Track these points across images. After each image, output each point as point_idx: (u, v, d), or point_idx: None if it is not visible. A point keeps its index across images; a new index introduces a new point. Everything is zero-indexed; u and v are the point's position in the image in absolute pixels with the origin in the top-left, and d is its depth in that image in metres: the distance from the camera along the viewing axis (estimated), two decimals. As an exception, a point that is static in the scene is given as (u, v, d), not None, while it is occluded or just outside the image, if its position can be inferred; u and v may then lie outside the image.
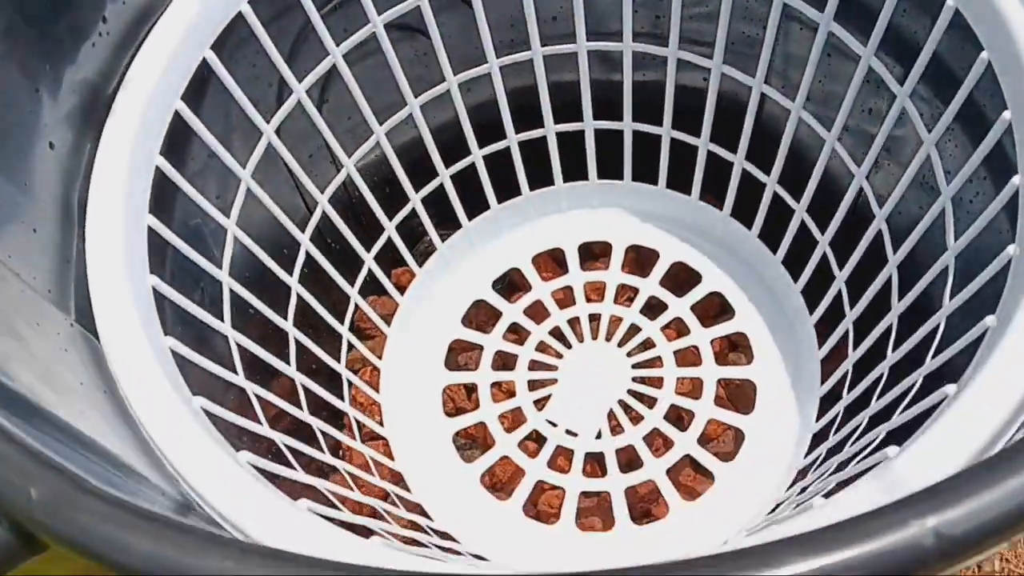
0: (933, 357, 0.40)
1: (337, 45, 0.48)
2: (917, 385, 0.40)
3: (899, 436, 0.35)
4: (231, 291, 0.44)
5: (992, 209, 0.38)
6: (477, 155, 0.57)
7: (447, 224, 0.60)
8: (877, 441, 0.40)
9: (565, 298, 0.60)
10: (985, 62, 0.39)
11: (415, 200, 0.57)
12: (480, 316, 0.61)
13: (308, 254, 0.51)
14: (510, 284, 0.62)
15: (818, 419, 0.53)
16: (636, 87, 0.56)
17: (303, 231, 0.50)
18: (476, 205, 0.60)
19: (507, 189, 0.61)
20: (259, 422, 0.41)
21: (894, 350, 0.45)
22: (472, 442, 0.57)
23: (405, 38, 0.53)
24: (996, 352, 0.32)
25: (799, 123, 0.52)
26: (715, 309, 0.59)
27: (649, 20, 0.55)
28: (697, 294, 0.59)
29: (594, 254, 0.62)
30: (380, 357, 0.58)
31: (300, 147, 0.52)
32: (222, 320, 0.42)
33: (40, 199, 0.35)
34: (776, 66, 0.53)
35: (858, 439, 0.43)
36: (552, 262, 0.62)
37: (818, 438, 0.52)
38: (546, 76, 0.56)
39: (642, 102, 0.57)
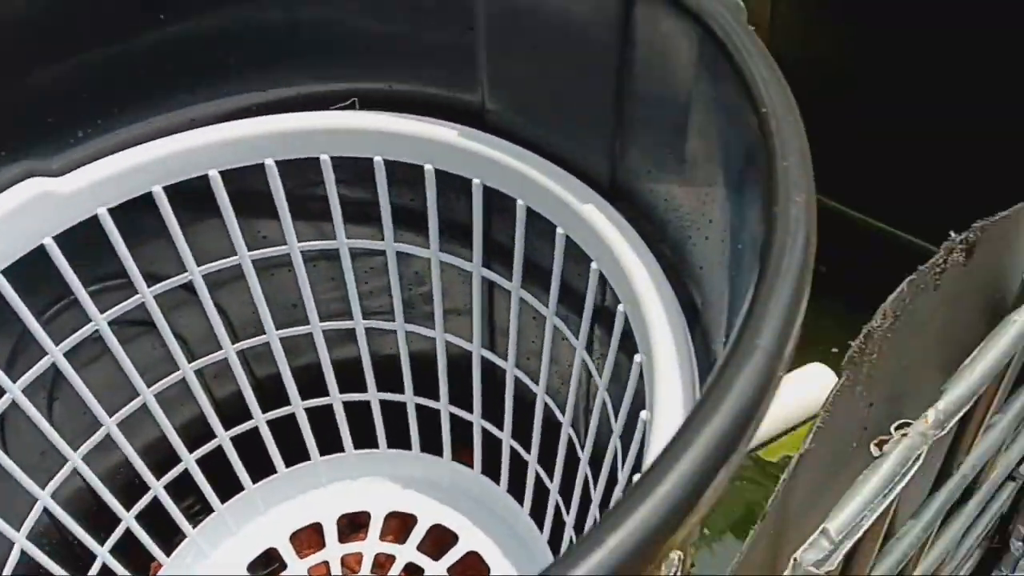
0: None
1: (57, 344, 0.50)
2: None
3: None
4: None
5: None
6: (223, 437, 0.58)
7: (201, 508, 0.60)
8: None
9: (325, 574, 0.59)
10: (623, 314, 0.44)
11: (156, 488, 0.56)
12: (237, 602, 0.59)
13: (26, 552, 0.49)
14: (269, 564, 0.61)
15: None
16: (376, 359, 0.60)
17: (19, 528, 0.49)
18: (230, 487, 0.60)
19: (262, 468, 0.61)
20: None
21: None
22: None
23: (144, 332, 0.56)
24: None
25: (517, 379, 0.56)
26: (473, 571, 0.59)
27: (381, 297, 0.59)
28: (454, 556, 0.59)
29: (359, 524, 0.62)
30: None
31: (32, 443, 0.52)
32: None
33: None
34: (499, 323, 0.57)
35: None
36: (315, 535, 0.62)
37: None
38: (290, 360, 0.59)
39: (384, 371, 0.60)
